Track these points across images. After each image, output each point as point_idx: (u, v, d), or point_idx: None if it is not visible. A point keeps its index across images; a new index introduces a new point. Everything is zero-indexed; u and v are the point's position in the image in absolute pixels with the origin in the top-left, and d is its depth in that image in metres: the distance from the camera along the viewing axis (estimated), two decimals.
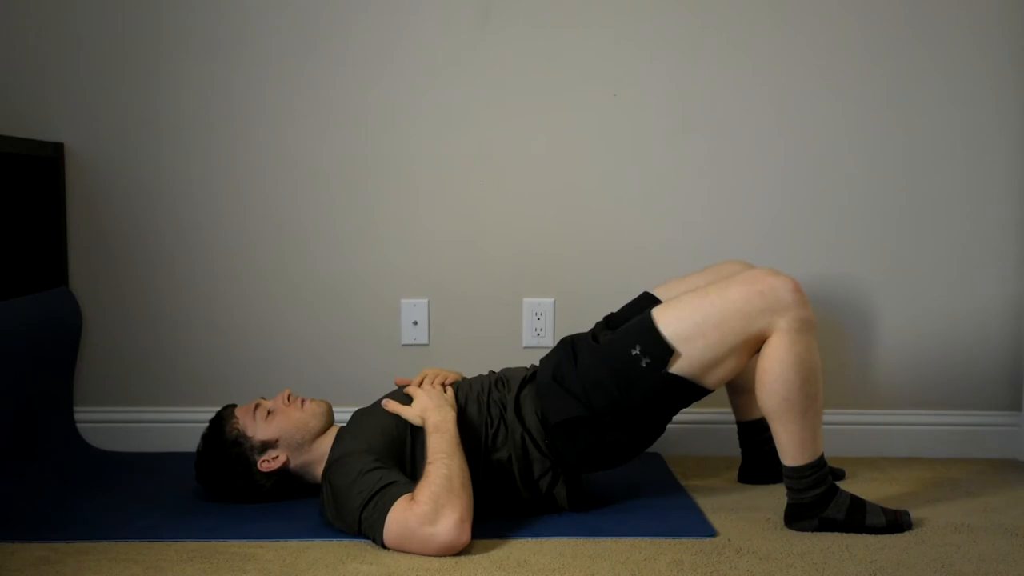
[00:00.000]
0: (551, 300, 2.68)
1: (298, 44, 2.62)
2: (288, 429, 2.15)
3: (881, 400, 2.70)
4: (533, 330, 2.67)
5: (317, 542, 1.95)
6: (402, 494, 1.86)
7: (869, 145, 2.65)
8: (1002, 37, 2.62)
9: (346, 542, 1.94)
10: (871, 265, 2.67)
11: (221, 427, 2.17)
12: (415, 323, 2.68)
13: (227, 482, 2.17)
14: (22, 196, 2.58)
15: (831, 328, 2.64)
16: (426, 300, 2.68)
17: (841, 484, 2.24)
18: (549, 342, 2.63)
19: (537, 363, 2.23)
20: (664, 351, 2.00)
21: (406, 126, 2.64)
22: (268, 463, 2.14)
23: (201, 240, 2.66)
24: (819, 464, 2.03)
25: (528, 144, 2.65)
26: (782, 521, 2.07)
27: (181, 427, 2.62)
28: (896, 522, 2.03)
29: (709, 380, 2.03)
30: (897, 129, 2.65)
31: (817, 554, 1.89)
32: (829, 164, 2.66)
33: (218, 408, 2.26)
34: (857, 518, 2.02)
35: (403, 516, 1.84)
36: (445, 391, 2.15)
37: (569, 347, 2.14)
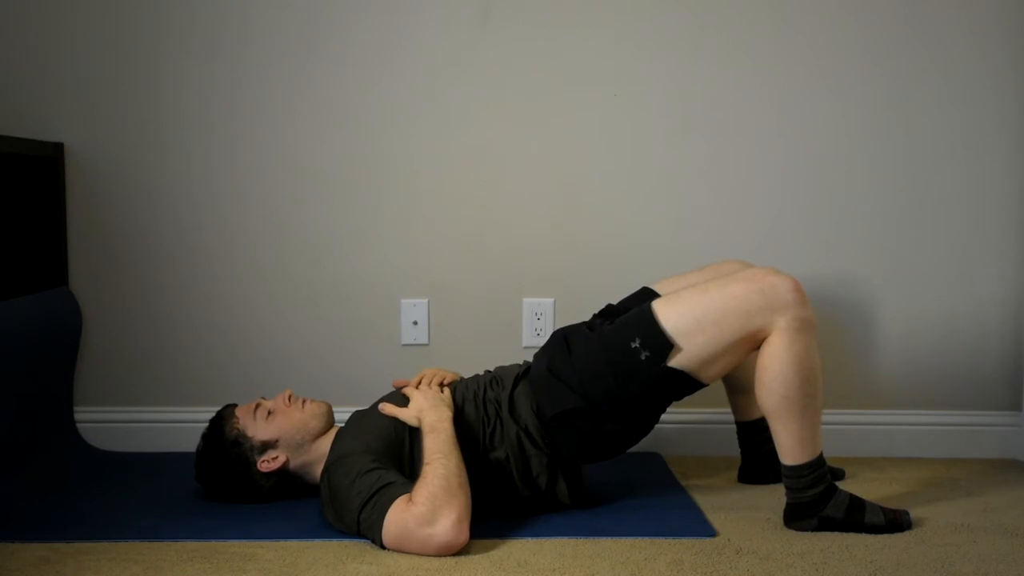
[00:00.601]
0: (551, 300, 2.68)
1: (298, 44, 2.62)
2: (288, 429, 2.15)
3: (881, 400, 2.70)
4: (533, 330, 2.67)
5: (317, 542, 1.95)
6: (400, 495, 1.87)
7: (869, 145, 2.65)
8: (1002, 37, 2.62)
9: (346, 542, 1.94)
10: (871, 265, 2.67)
11: (221, 427, 2.17)
12: (415, 323, 2.68)
13: (227, 482, 2.17)
14: (22, 196, 2.58)
15: (831, 328, 2.64)
16: (426, 300, 2.68)
17: (841, 484, 2.24)
18: None
19: (531, 360, 2.23)
20: (664, 345, 2.00)
21: (406, 126, 2.64)
22: (268, 463, 2.14)
23: (201, 240, 2.66)
24: (818, 463, 2.03)
25: (528, 144, 2.65)
26: (782, 521, 2.07)
27: (181, 427, 2.62)
28: (896, 521, 2.03)
29: (706, 375, 2.04)
30: (897, 129, 2.65)
31: (817, 554, 1.89)
32: (829, 164, 2.66)
33: (218, 408, 2.26)
34: (856, 517, 2.02)
35: (401, 517, 1.84)
36: (443, 391, 2.15)
37: (562, 339, 2.14)
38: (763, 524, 2.08)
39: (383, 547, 1.87)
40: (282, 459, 2.15)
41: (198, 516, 2.11)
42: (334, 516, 1.98)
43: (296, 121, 2.64)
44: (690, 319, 2.01)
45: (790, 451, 2.03)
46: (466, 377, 2.27)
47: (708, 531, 2.02)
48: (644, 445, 2.30)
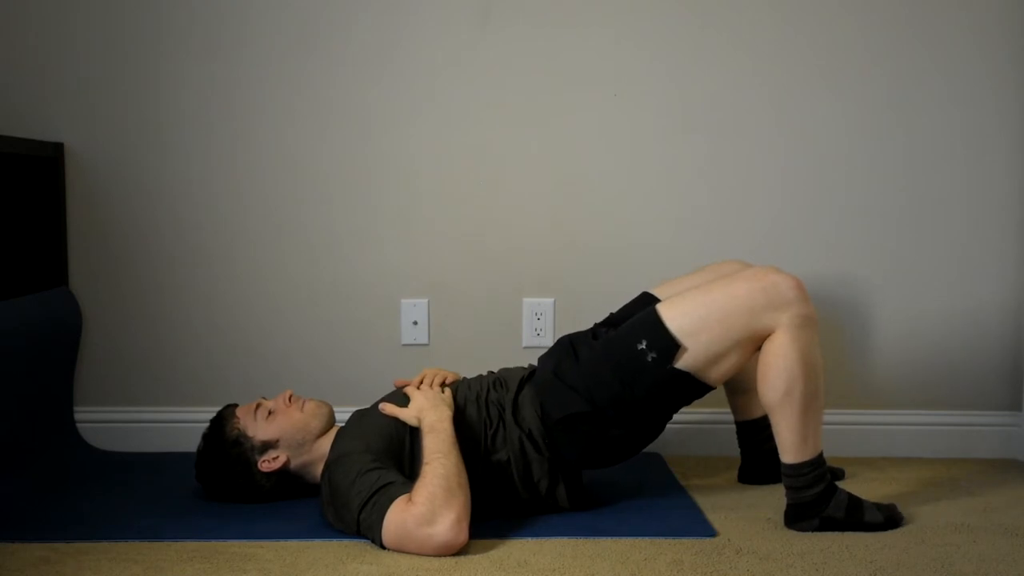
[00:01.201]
0: (551, 300, 2.68)
1: (298, 44, 2.62)
2: (289, 429, 2.15)
3: (881, 400, 2.70)
4: (533, 330, 2.67)
5: (317, 542, 1.95)
6: (399, 495, 1.86)
7: (869, 145, 2.65)
8: (1002, 37, 2.62)
9: (346, 542, 1.94)
10: (871, 265, 2.67)
11: (222, 427, 2.17)
12: (415, 323, 2.68)
13: (227, 482, 2.17)
14: (22, 196, 2.58)
15: (831, 328, 2.64)
16: (426, 300, 2.68)
17: (841, 484, 2.24)
18: (549, 342, 2.62)
19: (535, 363, 2.23)
20: (671, 345, 2.00)
21: (406, 126, 2.64)
22: (269, 463, 2.14)
23: (201, 240, 2.66)
24: (818, 462, 2.04)
25: (528, 144, 2.65)
26: (782, 521, 2.07)
27: (181, 427, 2.62)
28: (891, 517, 2.05)
29: (711, 376, 2.05)
30: (897, 129, 2.65)
31: (817, 554, 1.89)
32: (829, 164, 2.66)
33: (218, 408, 2.26)
34: (856, 516, 2.03)
35: (400, 517, 1.84)
36: (443, 391, 2.15)
37: (568, 345, 2.14)
38: (763, 524, 2.08)
39: (383, 547, 1.87)
40: (283, 459, 2.15)
41: (198, 516, 2.10)
42: (334, 516, 1.98)
43: (296, 121, 2.64)
44: (695, 319, 2.01)
45: (791, 448, 2.03)
46: (467, 377, 2.26)
47: (708, 531, 2.02)
48: None
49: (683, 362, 2.02)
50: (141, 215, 2.65)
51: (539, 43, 2.63)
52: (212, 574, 1.79)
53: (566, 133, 2.65)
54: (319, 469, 2.12)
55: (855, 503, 2.04)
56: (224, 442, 2.16)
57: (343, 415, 2.24)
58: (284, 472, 2.16)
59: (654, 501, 2.22)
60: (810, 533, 2.01)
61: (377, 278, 2.67)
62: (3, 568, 1.81)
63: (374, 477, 1.91)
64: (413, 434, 2.06)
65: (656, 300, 2.21)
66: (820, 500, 2.03)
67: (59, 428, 2.58)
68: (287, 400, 2.20)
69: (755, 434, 2.38)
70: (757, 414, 2.34)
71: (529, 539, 1.96)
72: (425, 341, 2.68)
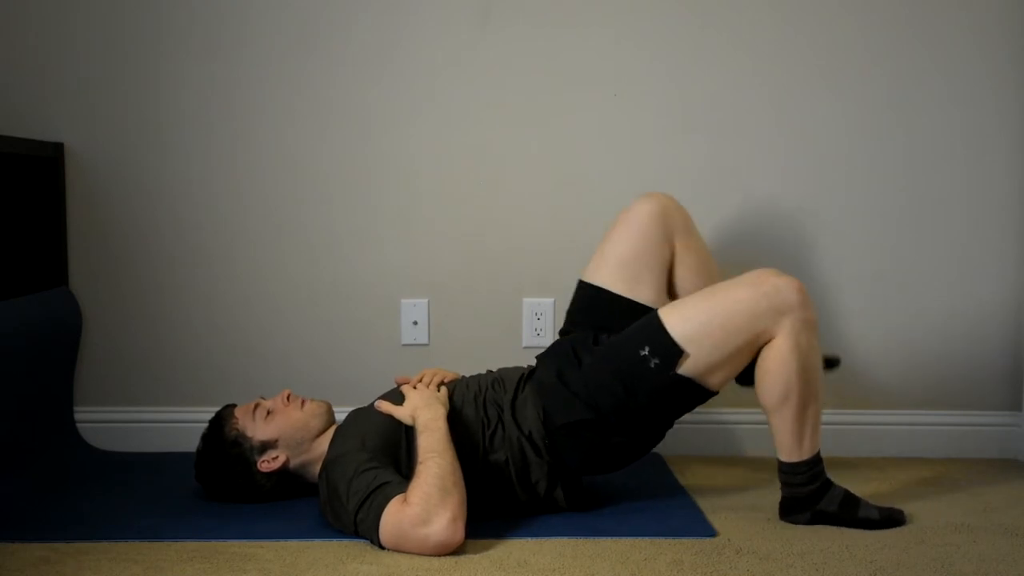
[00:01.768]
0: (551, 300, 2.68)
1: (298, 44, 2.62)
2: (288, 429, 2.15)
3: (881, 400, 2.70)
4: (533, 330, 2.67)
5: (317, 542, 1.95)
6: (395, 495, 1.86)
7: (869, 145, 2.65)
8: (1002, 37, 2.62)
9: (346, 542, 1.94)
10: (871, 265, 2.67)
11: (221, 427, 2.17)
12: (415, 323, 2.68)
13: (227, 482, 2.17)
14: (22, 196, 2.58)
15: (831, 328, 2.64)
16: (426, 300, 2.68)
17: (841, 484, 2.24)
18: (549, 342, 2.62)
19: (534, 362, 2.23)
20: (674, 352, 2.00)
21: (406, 126, 2.64)
22: (268, 463, 2.14)
23: (201, 240, 2.66)
24: (815, 461, 2.06)
25: (528, 144, 2.65)
26: (782, 521, 2.08)
27: (181, 427, 2.62)
28: (891, 517, 2.06)
29: (713, 381, 2.05)
30: (897, 129, 2.65)
31: (817, 554, 1.89)
32: (829, 164, 2.66)
33: (218, 408, 2.26)
34: (850, 512, 2.05)
35: (396, 518, 1.84)
36: (440, 390, 2.15)
37: (570, 349, 2.14)
38: (763, 524, 2.08)
39: (381, 547, 1.87)
40: (282, 459, 2.15)
41: (198, 516, 2.10)
42: (332, 516, 1.98)
43: (296, 121, 2.64)
44: (697, 324, 2.02)
45: (788, 449, 2.05)
46: (466, 376, 2.26)
47: (708, 531, 2.02)
48: None
49: (685, 368, 2.02)
50: (141, 215, 2.65)
51: (539, 43, 2.63)
52: (212, 574, 1.79)
53: (566, 133, 2.65)
54: (318, 468, 2.11)
55: (850, 499, 2.06)
56: (223, 442, 2.16)
57: (343, 415, 2.23)
58: (284, 472, 2.16)
59: (654, 501, 2.22)
60: (810, 533, 2.01)
61: (377, 278, 2.67)
62: (3, 568, 1.81)
63: (370, 477, 1.90)
64: (409, 433, 2.05)
65: (594, 288, 2.22)
66: (814, 496, 2.05)
67: (59, 428, 2.58)
68: (285, 399, 2.19)
69: None
70: None
71: (529, 539, 1.96)
72: (425, 341, 2.68)
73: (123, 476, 2.43)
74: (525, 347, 2.66)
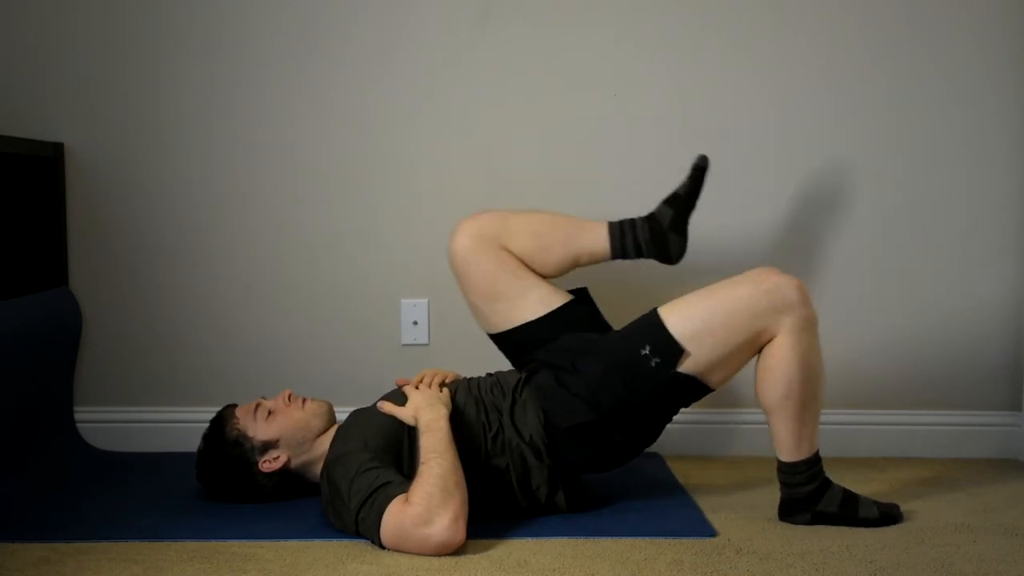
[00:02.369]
0: None
1: (298, 44, 2.62)
2: (289, 429, 2.15)
3: (881, 400, 2.70)
4: None
5: (317, 542, 1.95)
6: (397, 495, 1.86)
7: (869, 145, 2.65)
8: (1002, 37, 2.62)
9: (346, 542, 1.94)
10: (871, 265, 2.67)
11: (222, 427, 2.17)
12: (415, 323, 2.68)
13: (228, 482, 2.17)
14: (22, 196, 2.58)
15: (831, 328, 2.63)
16: (426, 300, 2.68)
17: (840, 484, 2.24)
18: None
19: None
20: (675, 351, 2.01)
21: (406, 126, 2.64)
22: (269, 463, 2.14)
23: (201, 240, 2.66)
24: (814, 460, 2.06)
25: (528, 144, 2.65)
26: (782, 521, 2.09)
27: (181, 427, 2.62)
28: (889, 514, 2.06)
29: (714, 378, 2.05)
30: (897, 129, 2.65)
31: (817, 554, 1.89)
32: (829, 164, 2.66)
33: (218, 408, 2.26)
34: (850, 511, 2.05)
35: (398, 518, 1.84)
36: (442, 391, 2.15)
37: (567, 350, 2.13)
38: (763, 524, 2.08)
39: (382, 547, 1.87)
40: (283, 459, 2.15)
41: (198, 516, 2.10)
42: (334, 515, 1.98)
43: (296, 121, 2.64)
44: (698, 323, 2.02)
45: (787, 448, 2.05)
46: (467, 377, 2.26)
47: (708, 531, 2.02)
48: None
49: (686, 366, 2.02)
50: (141, 215, 2.65)
51: (539, 43, 2.63)
52: (212, 574, 1.79)
53: (566, 133, 2.65)
54: (319, 468, 2.11)
55: (850, 498, 2.06)
56: (224, 442, 2.16)
57: (343, 415, 2.23)
58: (285, 472, 2.16)
59: (654, 501, 2.22)
60: (810, 533, 2.02)
61: (377, 278, 2.67)
62: (3, 568, 1.81)
63: (372, 477, 1.90)
64: (411, 433, 2.05)
65: (504, 334, 2.21)
66: (814, 496, 2.05)
67: (59, 428, 2.58)
68: (286, 399, 2.20)
69: None
70: None
71: (529, 539, 1.96)
72: (425, 341, 2.68)
73: (123, 476, 2.43)
74: None
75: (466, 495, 1.90)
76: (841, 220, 2.66)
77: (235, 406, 2.23)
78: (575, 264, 2.26)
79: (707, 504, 2.20)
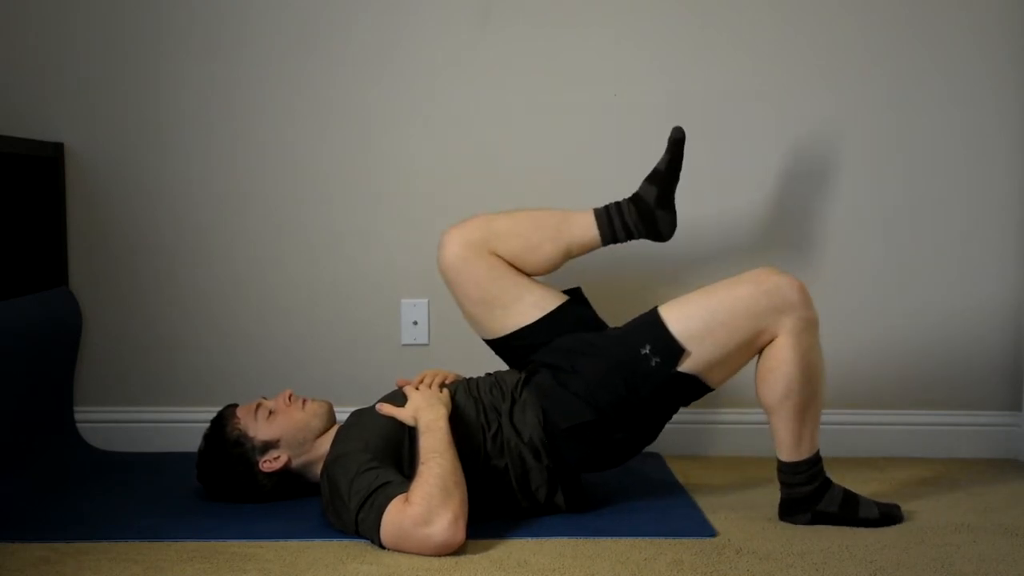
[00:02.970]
0: None
1: (298, 44, 2.62)
2: (289, 429, 2.15)
3: (881, 400, 2.70)
4: None
5: (317, 542, 1.95)
6: (396, 495, 1.86)
7: (869, 145, 2.65)
8: (1002, 37, 2.62)
9: (346, 542, 1.94)
10: (871, 265, 2.67)
11: (222, 427, 2.17)
12: (415, 323, 2.68)
13: (228, 482, 2.17)
14: (22, 196, 2.58)
15: (831, 328, 2.63)
16: (426, 300, 2.68)
17: (840, 484, 2.24)
18: None
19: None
20: (675, 350, 2.01)
21: (406, 126, 2.64)
22: (270, 463, 2.14)
23: (201, 240, 2.66)
24: (815, 460, 2.06)
25: (528, 144, 2.65)
26: (782, 521, 2.09)
27: (181, 427, 2.62)
28: (889, 514, 2.06)
29: (714, 377, 2.06)
30: (897, 129, 2.65)
31: (817, 554, 1.89)
32: (829, 164, 2.66)
33: (219, 408, 2.26)
34: (851, 511, 2.05)
35: (398, 518, 1.84)
36: (441, 391, 2.15)
37: (566, 349, 2.13)
38: (763, 524, 2.08)
39: (382, 547, 1.87)
40: (284, 459, 2.15)
41: (198, 516, 2.10)
42: (334, 515, 1.98)
43: (296, 121, 2.64)
44: (698, 323, 2.02)
45: (788, 448, 2.06)
46: (467, 378, 2.26)
47: (708, 531, 2.02)
48: None
49: (686, 366, 2.02)
50: (141, 215, 2.65)
51: (539, 43, 2.63)
52: (212, 574, 1.79)
53: (566, 133, 2.65)
54: (319, 468, 2.11)
55: (850, 498, 2.06)
56: (225, 442, 2.16)
57: (343, 415, 2.23)
58: (285, 472, 2.16)
59: (654, 501, 2.22)
60: (810, 533, 2.02)
61: (377, 278, 2.67)
62: (3, 568, 1.81)
63: (371, 477, 1.90)
64: (411, 434, 2.05)
65: (500, 340, 2.20)
66: (814, 496, 2.05)
67: (59, 428, 2.58)
68: (287, 400, 2.20)
69: None
70: None
71: (529, 539, 1.96)
72: (425, 341, 2.68)
73: (123, 476, 2.43)
74: None
75: (466, 495, 1.90)
76: (841, 220, 2.66)
77: (236, 406, 2.24)
78: (568, 257, 2.26)
79: (707, 504, 2.20)
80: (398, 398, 2.15)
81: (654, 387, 2.03)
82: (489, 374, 2.25)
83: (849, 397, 2.68)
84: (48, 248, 2.61)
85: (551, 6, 2.62)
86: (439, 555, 1.84)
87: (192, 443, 2.25)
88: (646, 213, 2.22)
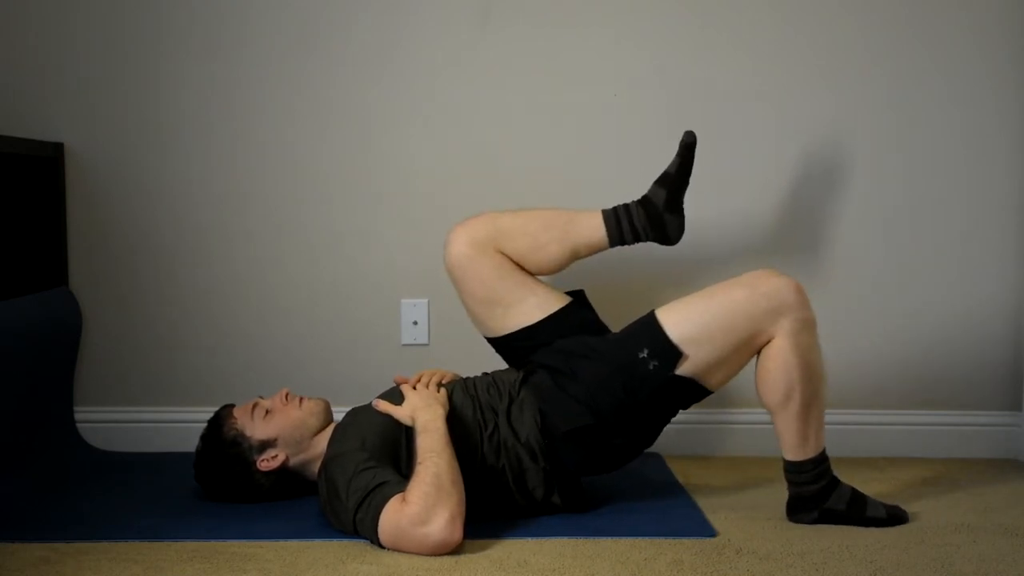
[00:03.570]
0: None
1: (298, 44, 2.62)
2: (287, 428, 2.15)
3: (881, 400, 2.70)
4: None
5: (317, 542, 1.95)
6: (394, 494, 1.86)
7: (869, 145, 2.65)
8: (1002, 37, 2.62)
9: (346, 542, 1.94)
10: (871, 265, 2.67)
11: (219, 427, 2.17)
12: (415, 323, 2.68)
13: (226, 482, 2.17)
14: (22, 196, 2.58)
15: (831, 328, 2.63)
16: (426, 300, 2.68)
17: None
18: None
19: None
20: (673, 354, 2.01)
21: (406, 126, 2.64)
22: (267, 462, 2.14)
23: (201, 240, 2.66)
24: (821, 459, 2.06)
25: (528, 144, 2.65)
26: (782, 521, 2.08)
27: (181, 427, 2.62)
28: (896, 515, 2.07)
29: (713, 380, 2.06)
30: (897, 129, 2.65)
31: (817, 554, 1.89)
32: (829, 164, 2.66)
33: (217, 408, 2.26)
34: (858, 510, 2.05)
35: (395, 517, 1.84)
36: (439, 391, 2.15)
37: (564, 352, 2.13)
38: (763, 524, 2.08)
39: (380, 546, 1.87)
40: (281, 458, 2.15)
41: (198, 516, 2.10)
42: (332, 515, 1.98)
43: (296, 121, 2.64)
44: (696, 325, 2.02)
45: (793, 448, 2.06)
46: (465, 377, 2.26)
47: (708, 531, 2.02)
48: None
49: (684, 369, 2.02)
50: (141, 215, 2.65)
51: (539, 43, 2.63)
52: (212, 574, 1.79)
53: (566, 133, 2.65)
54: (317, 466, 2.11)
55: (858, 498, 2.06)
56: (222, 442, 2.16)
57: (342, 415, 2.23)
58: (283, 471, 2.16)
59: (654, 501, 2.22)
60: (810, 533, 2.01)
61: (377, 278, 2.67)
62: (3, 568, 1.81)
63: (369, 476, 1.90)
64: (408, 433, 2.05)
65: (502, 339, 2.20)
66: (821, 494, 2.05)
67: (59, 428, 2.58)
68: (284, 398, 2.20)
69: None
70: None
71: (528, 539, 1.96)
72: (425, 341, 2.68)
73: (123, 476, 2.43)
74: None
75: (463, 494, 1.90)
76: (841, 220, 2.66)
77: (232, 406, 2.24)
78: (574, 257, 2.26)
79: (707, 504, 2.20)
80: (396, 396, 2.14)
81: (652, 390, 2.03)
82: (486, 373, 2.25)
83: (849, 397, 2.68)
84: (48, 248, 2.61)
85: (551, 6, 2.62)
86: (437, 554, 1.84)
87: (192, 443, 2.25)
88: (655, 216, 2.22)
